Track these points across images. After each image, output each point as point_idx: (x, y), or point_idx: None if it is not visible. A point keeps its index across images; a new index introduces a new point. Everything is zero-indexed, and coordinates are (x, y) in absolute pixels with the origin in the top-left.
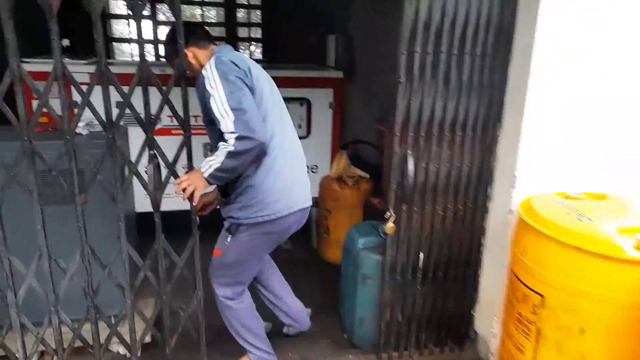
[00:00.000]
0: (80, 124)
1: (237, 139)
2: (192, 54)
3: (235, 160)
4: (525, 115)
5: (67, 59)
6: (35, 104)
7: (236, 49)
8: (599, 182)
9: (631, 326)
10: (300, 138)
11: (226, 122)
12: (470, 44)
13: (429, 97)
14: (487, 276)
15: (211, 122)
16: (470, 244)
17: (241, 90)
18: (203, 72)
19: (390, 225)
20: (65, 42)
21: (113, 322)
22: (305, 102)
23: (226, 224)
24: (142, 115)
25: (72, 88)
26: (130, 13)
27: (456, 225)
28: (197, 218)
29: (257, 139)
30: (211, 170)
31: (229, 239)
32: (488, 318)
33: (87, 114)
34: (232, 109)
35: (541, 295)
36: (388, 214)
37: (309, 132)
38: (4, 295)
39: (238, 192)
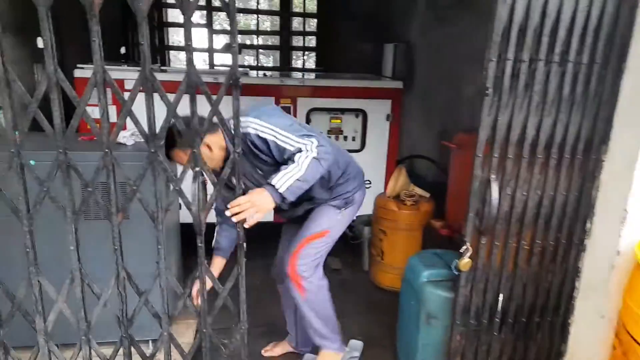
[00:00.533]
0: (126, 134)
1: (317, 147)
2: (206, 142)
3: (320, 166)
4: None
5: (122, 66)
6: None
7: (290, 57)
8: None
9: None
10: (354, 151)
11: (305, 144)
12: (576, 50)
13: (521, 112)
14: (580, 326)
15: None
16: (561, 287)
17: (290, 117)
18: (249, 132)
19: (465, 261)
20: (122, 49)
21: (149, 348)
22: (361, 114)
23: (335, 202)
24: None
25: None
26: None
27: (545, 264)
28: (244, 244)
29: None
30: (291, 181)
31: (339, 215)
32: None
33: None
34: (303, 136)
35: None
36: (464, 247)
37: (363, 145)
38: (32, 320)
39: (339, 180)
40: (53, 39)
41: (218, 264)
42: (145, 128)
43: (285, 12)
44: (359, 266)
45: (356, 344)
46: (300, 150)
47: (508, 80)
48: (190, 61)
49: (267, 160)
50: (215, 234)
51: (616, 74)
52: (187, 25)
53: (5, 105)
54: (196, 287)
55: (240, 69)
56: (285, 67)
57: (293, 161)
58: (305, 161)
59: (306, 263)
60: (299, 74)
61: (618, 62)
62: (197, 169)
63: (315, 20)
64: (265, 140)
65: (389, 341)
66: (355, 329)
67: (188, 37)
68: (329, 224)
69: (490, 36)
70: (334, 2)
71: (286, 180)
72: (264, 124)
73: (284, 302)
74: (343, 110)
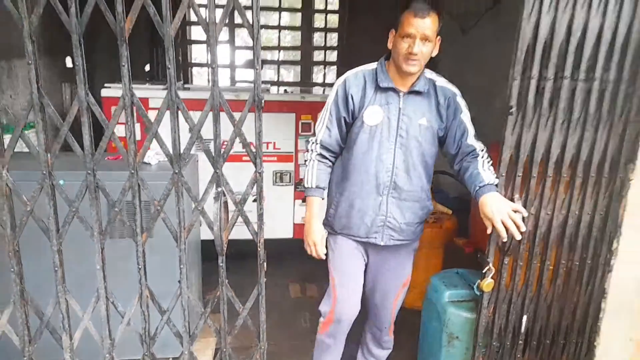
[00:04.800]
0: (151, 153)
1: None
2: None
3: None
4: None
5: (146, 85)
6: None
7: (311, 72)
8: None
9: None
10: None
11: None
12: (602, 67)
13: (545, 130)
14: (607, 350)
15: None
16: (586, 309)
17: None
18: (448, 85)
19: (488, 282)
20: (147, 67)
21: None
22: None
23: (413, 245)
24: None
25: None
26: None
27: (570, 285)
28: (265, 264)
29: None
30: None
31: (412, 259)
32: None
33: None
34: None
35: None
36: (486, 267)
37: None
38: (59, 338)
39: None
40: (84, 65)
41: (322, 205)
42: (170, 149)
43: (306, 27)
44: None
45: None
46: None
47: (532, 98)
48: (215, 82)
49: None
50: (313, 170)
51: None
52: (212, 48)
53: (39, 129)
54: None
55: (262, 85)
56: (307, 81)
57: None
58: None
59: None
60: (320, 89)
61: None
62: (220, 189)
63: (336, 34)
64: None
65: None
66: None
67: (214, 59)
68: (409, 270)
69: (515, 54)
70: (354, 16)
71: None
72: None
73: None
74: None
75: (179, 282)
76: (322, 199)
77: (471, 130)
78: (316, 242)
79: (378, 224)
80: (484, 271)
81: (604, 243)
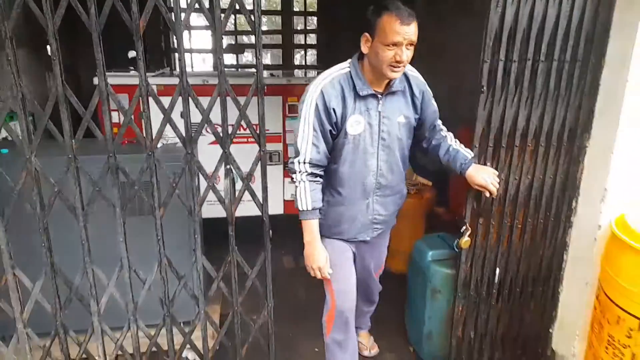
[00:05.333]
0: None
1: None
2: None
3: None
4: (620, 126)
5: (133, 71)
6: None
7: (292, 55)
8: None
9: None
10: None
11: None
12: (559, 49)
13: (512, 106)
14: (568, 294)
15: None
16: (551, 260)
17: None
18: (417, 74)
19: (465, 239)
20: (131, 53)
21: (186, 329)
22: None
23: (385, 228)
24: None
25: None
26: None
27: (536, 240)
28: (270, 231)
29: None
30: None
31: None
32: (568, 337)
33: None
34: None
35: (639, 319)
36: (463, 227)
37: None
38: (87, 304)
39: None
40: (104, 59)
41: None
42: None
43: (286, 11)
44: None
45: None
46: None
47: (500, 79)
48: (222, 72)
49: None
50: (307, 192)
51: (596, 69)
52: (217, 37)
53: (64, 118)
54: None
55: (247, 69)
56: (289, 65)
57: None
58: None
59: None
60: (301, 72)
61: (597, 59)
62: (229, 166)
63: (316, 18)
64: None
65: (398, 320)
66: None
67: (220, 50)
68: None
69: (484, 40)
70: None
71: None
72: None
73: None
74: None
75: (194, 250)
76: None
77: (437, 110)
78: (321, 266)
79: (366, 223)
80: (461, 230)
81: (565, 203)
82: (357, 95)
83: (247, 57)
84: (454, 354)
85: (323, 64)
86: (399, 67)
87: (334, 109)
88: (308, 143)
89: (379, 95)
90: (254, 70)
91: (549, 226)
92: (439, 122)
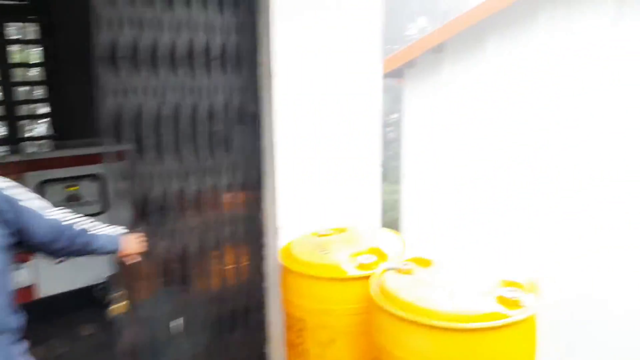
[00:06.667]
0: None
1: None
2: None
3: None
4: (277, 177)
5: None
6: None
7: (18, 128)
8: (345, 216)
9: (357, 329)
10: (96, 214)
11: None
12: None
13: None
14: (271, 316)
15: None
16: (255, 290)
17: None
18: None
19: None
20: None
21: None
22: (98, 178)
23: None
24: None
25: None
26: None
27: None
28: None
29: None
30: None
31: None
32: (278, 353)
33: None
34: None
35: (302, 320)
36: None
37: (106, 207)
38: None
39: None
40: None
41: None
42: None
43: (6, 82)
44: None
45: None
46: None
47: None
48: None
49: None
50: None
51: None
52: None
53: None
54: None
55: None
56: (15, 139)
57: None
58: None
59: None
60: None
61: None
62: None
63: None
64: None
65: None
66: None
67: None
68: None
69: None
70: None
71: None
72: None
73: None
74: (79, 178)
75: None
76: None
77: (47, 209)
78: None
79: None
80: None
81: (256, 241)
82: None
83: None
84: None
85: (60, 132)
86: None
87: None
88: None
89: None
90: None
91: (252, 264)
92: (57, 217)
